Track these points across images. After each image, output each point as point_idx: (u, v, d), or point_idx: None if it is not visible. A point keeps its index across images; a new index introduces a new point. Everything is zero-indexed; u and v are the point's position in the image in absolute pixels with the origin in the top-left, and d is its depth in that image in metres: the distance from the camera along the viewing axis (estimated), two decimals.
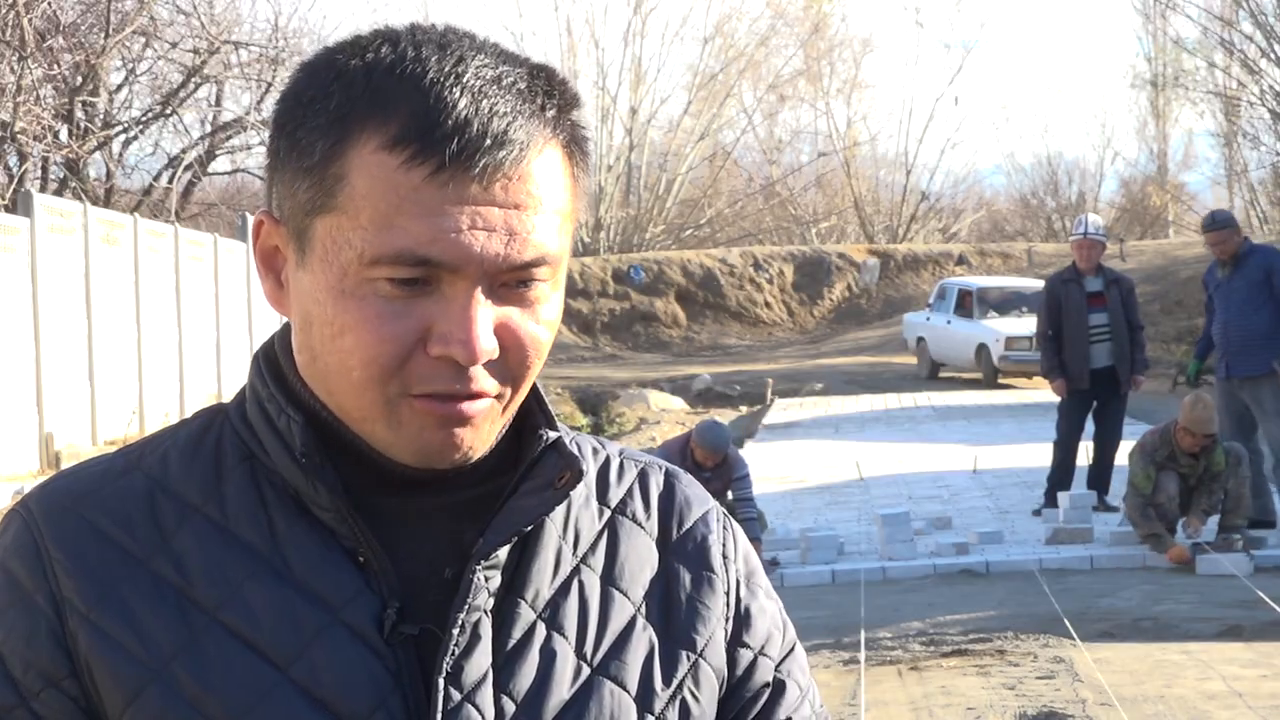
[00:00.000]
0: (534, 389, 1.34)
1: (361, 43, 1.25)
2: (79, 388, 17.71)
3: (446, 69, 1.21)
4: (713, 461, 10.12)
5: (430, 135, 1.19)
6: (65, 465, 16.31)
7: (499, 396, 1.25)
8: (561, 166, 1.25)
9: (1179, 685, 7.16)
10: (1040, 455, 13.16)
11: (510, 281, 1.23)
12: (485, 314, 1.22)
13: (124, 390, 18.96)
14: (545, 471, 1.31)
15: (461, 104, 1.19)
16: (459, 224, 1.19)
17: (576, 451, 1.33)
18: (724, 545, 1.41)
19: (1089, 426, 12.08)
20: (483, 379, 1.23)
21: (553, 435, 1.32)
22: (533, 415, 1.34)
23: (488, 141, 1.19)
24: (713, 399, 24.86)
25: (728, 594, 1.39)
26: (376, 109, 1.20)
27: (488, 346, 1.22)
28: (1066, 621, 8.18)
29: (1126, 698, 6.88)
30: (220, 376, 22.66)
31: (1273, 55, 34.67)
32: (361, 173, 1.20)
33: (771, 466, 15.37)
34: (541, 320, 1.26)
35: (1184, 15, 38.80)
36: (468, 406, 1.23)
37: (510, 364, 1.25)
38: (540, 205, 1.23)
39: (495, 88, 1.21)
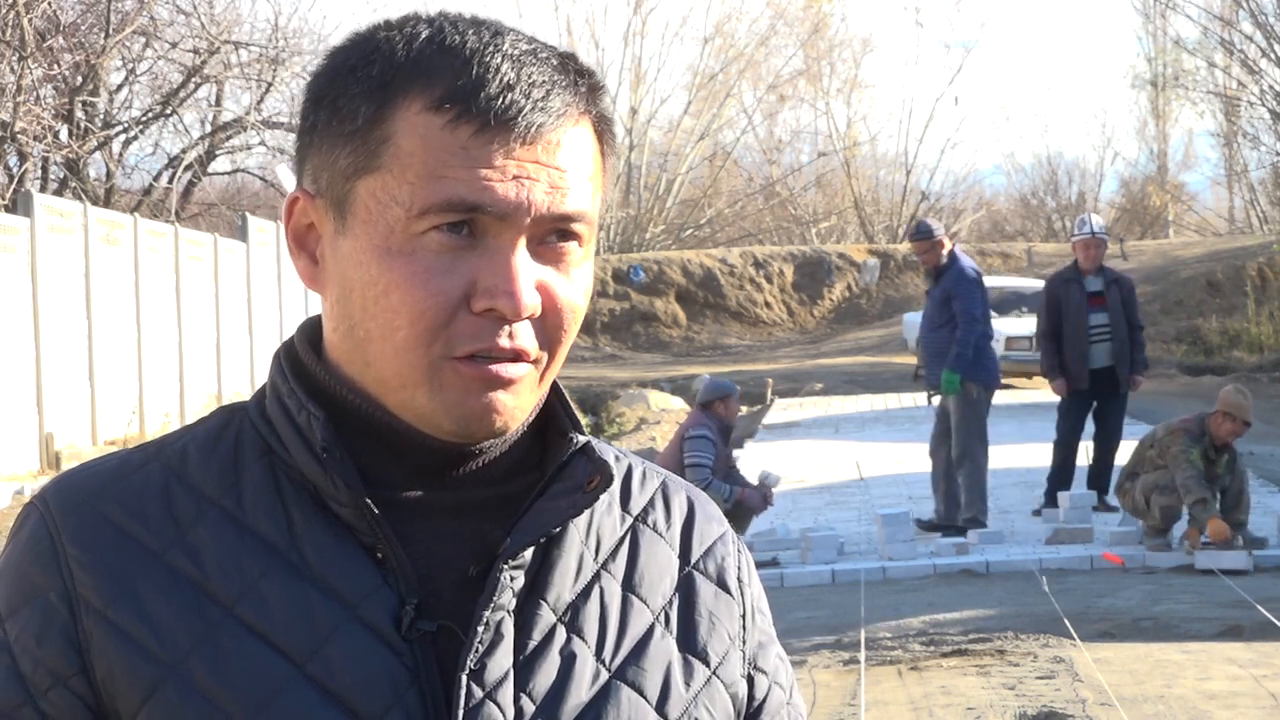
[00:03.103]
0: (559, 392, 1.35)
1: (395, 23, 1.29)
2: (79, 388, 17.71)
3: (485, 40, 1.26)
4: (736, 411, 10.91)
5: (476, 96, 1.23)
6: (65, 465, 16.34)
7: (536, 362, 1.27)
8: (592, 142, 1.29)
9: (1179, 685, 7.16)
10: (1040, 455, 13.15)
11: (549, 239, 1.26)
12: (528, 268, 1.24)
13: (124, 390, 18.95)
14: (574, 474, 1.31)
15: (504, 68, 1.24)
16: (505, 173, 1.23)
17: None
18: (739, 569, 1.42)
19: (1089, 426, 12.09)
20: (523, 336, 1.25)
21: (582, 439, 1.33)
22: (558, 418, 1.35)
23: (529, 105, 1.24)
24: None
25: (743, 618, 1.40)
26: (420, 74, 1.24)
27: (531, 300, 1.24)
28: (1066, 621, 8.19)
29: (1126, 698, 6.89)
30: (220, 376, 22.65)
31: (1273, 55, 34.67)
32: (407, 133, 1.24)
33: (772, 466, 15.34)
34: (577, 285, 1.28)
35: (1184, 15, 38.81)
36: (509, 369, 1.25)
37: (548, 327, 1.27)
38: (576, 171, 1.27)
39: (533, 58, 1.26)
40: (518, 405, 1.27)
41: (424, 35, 1.26)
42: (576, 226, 1.26)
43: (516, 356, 1.25)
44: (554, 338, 1.27)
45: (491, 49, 1.24)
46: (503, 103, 1.23)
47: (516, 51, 1.25)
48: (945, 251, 11.25)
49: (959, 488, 11.41)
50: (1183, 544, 10.15)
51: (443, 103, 1.23)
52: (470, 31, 1.26)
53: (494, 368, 1.24)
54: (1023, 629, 8.33)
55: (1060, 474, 12.01)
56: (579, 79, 1.28)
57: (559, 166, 1.25)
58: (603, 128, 1.31)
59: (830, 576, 10.17)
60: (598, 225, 1.31)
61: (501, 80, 1.23)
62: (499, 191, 1.22)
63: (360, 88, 1.26)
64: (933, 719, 6.80)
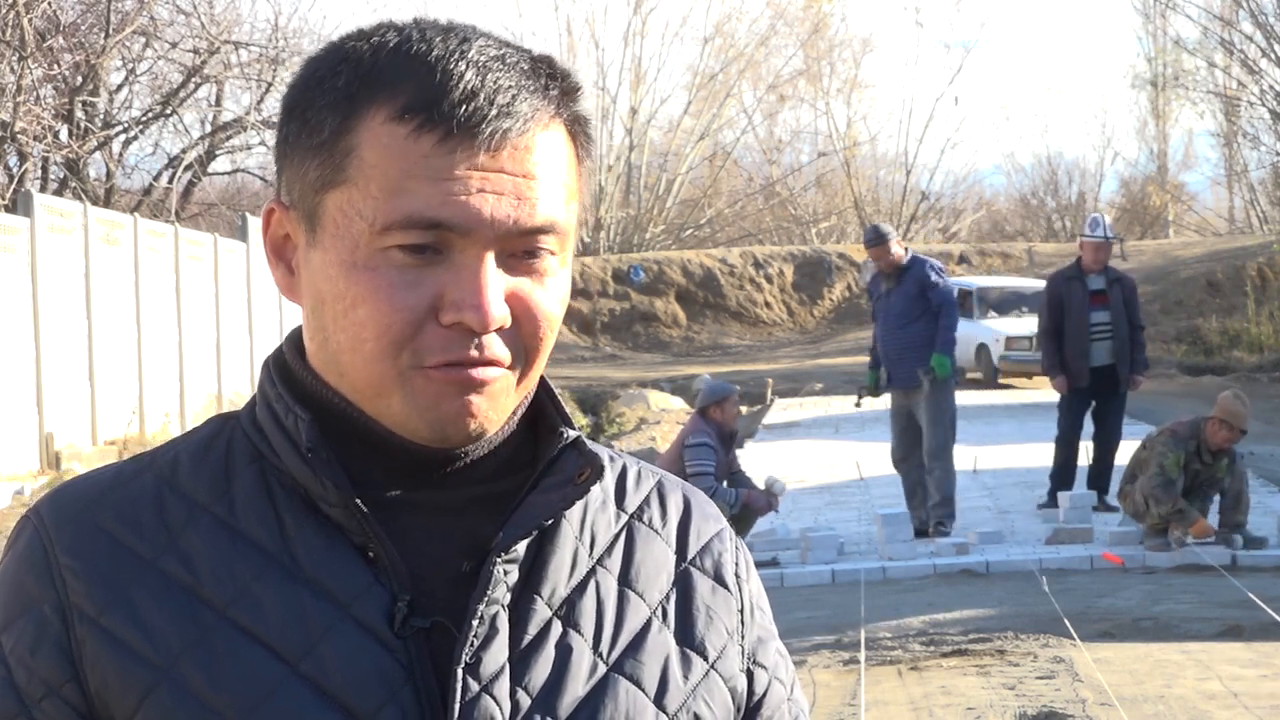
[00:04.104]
0: (549, 389, 1.35)
1: (367, 31, 1.28)
2: (79, 388, 17.70)
3: (452, 47, 1.24)
4: (734, 414, 10.71)
5: (438, 104, 1.21)
6: (65, 465, 16.34)
7: (511, 368, 1.26)
8: (566, 145, 1.28)
9: (1179, 685, 7.16)
10: (1040, 455, 13.17)
11: (520, 251, 1.25)
12: (496, 281, 1.23)
13: (124, 390, 18.94)
14: (565, 468, 1.31)
15: (468, 76, 1.22)
16: (468, 187, 1.22)
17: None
18: (736, 565, 1.42)
19: (1088, 426, 12.11)
20: (495, 347, 1.24)
21: (572, 434, 1.33)
22: (549, 415, 1.35)
23: (493, 111, 1.22)
24: None
25: (740, 612, 1.40)
26: (385, 84, 1.23)
27: (499, 313, 1.23)
28: (1066, 621, 8.19)
29: (1126, 698, 6.89)
30: (220, 376, 22.64)
31: (1273, 55, 34.68)
32: (371, 144, 1.23)
33: (771, 466, 15.36)
34: (551, 293, 1.27)
35: (1184, 15, 38.83)
36: (483, 372, 1.24)
37: (522, 335, 1.26)
38: (547, 177, 1.25)
39: (500, 64, 1.24)
40: (493, 408, 1.26)
41: (391, 44, 1.25)
42: (547, 238, 1.25)
43: (488, 363, 1.25)
44: (529, 346, 1.27)
45: (457, 56, 1.23)
46: (465, 110, 1.21)
47: (483, 58, 1.23)
48: (898, 252, 11.24)
49: (933, 484, 11.33)
50: (1171, 536, 10.17)
51: (405, 112, 1.22)
52: (438, 39, 1.24)
53: (465, 371, 1.24)
54: (1023, 629, 8.33)
55: (1064, 470, 12.06)
56: (550, 82, 1.26)
57: (527, 174, 1.23)
58: (577, 130, 1.29)
59: (830, 576, 10.17)
60: (575, 229, 1.29)
61: (465, 87, 1.22)
62: (462, 206, 1.21)
63: (327, 99, 1.25)
64: (933, 719, 6.80)
